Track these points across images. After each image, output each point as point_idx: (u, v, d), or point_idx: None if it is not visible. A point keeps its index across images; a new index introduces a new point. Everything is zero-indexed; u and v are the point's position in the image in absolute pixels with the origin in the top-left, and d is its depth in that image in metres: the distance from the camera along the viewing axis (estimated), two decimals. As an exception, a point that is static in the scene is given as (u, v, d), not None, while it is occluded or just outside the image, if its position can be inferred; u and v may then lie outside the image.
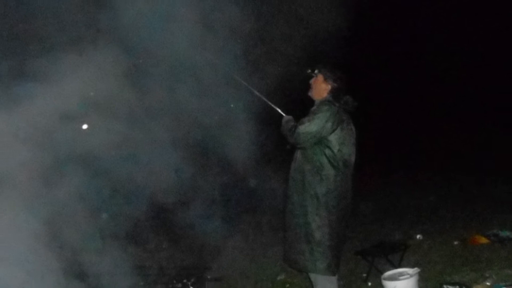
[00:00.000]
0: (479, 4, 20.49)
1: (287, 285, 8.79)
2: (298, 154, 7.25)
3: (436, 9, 20.45)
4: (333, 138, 7.03)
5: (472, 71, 21.41)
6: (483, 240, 9.51)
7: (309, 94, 7.37)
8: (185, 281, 8.70)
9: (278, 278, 9.11)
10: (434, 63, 21.48)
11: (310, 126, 6.99)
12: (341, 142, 7.08)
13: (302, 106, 7.39)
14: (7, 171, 5.62)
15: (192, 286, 8.61)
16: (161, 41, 6.56)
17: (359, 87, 7.71)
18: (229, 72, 7.56)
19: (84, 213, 6.33)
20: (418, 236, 10.33)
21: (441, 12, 20.59)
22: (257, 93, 7.65)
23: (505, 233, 9.59)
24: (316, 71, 7.32)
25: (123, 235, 7.71)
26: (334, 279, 7.37)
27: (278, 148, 7.95)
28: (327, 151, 7.01)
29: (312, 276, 7.40)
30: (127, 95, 6.59)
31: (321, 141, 6.99)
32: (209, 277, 9.20)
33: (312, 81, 7.32)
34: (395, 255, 8.67)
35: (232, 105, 7.97)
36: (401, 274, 7.38)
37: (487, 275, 7.79)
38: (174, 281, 8.75)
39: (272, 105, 7.57)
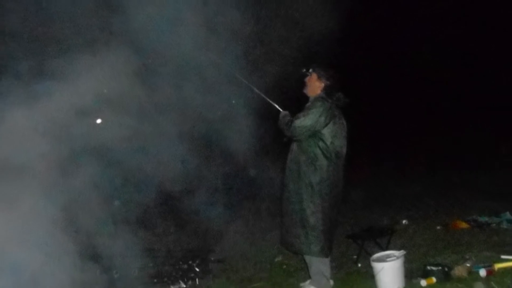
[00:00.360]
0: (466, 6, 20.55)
1: (284, 266, 8.79)
2: (294, 146, 7.27)
3: (421, 14, 20.45)
4: (326, 132, 7.05)
5: (456, 72, 21.42)
6: (464, 225, 9.52)
7: (304, 91, 7.39)
8: (190, 262, 8.71)
9: (276, 259, 9.11)
10: (420, 64, 21.47)
11: (305, 121, 7.02)
12: (333, 135, 7.11)
13: (297, 102, 7.41)
14: (27, 162, 5.63)
15: (197, 267, 8.62)
16: (168, 42, 6.56)
17: (350, 85, 7.71)
18: (231, 71, 7.57)
19: (97, 200, 6.34)
20: (404, 222, 10.33)
21: (424, 18, 20.60)
22: (257, 90, 7.66)
23: (483, 219, 9.59)
24: (310, 70, 7.34)
25: (134, 221, 7.72)
26: (327, 260, 7.40)
27: (275, 141, 7.96)
28: (320, 144, 7.04)
29: (307, 258, 7.42)
30: (137, 92, 6.60)
31: (315, 134, 7.02)
32: (212, 258, 9.22)
33: (306, 79, 7.34)
34: (383, 238, 8.67)
35: (233, 101, 7.97)
36: (388, 256, 7.38)
37: (467, 257, 7.79)
38: (181, 263, 8.76)
39: (270, 101, 7.58)
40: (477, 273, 7.03)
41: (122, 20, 6.40)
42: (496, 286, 6.57)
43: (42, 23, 6.32)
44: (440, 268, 7.18)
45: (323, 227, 7.13)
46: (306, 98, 7.28)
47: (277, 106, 7.49)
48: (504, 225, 9.27)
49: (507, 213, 9.61)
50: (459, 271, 7.18)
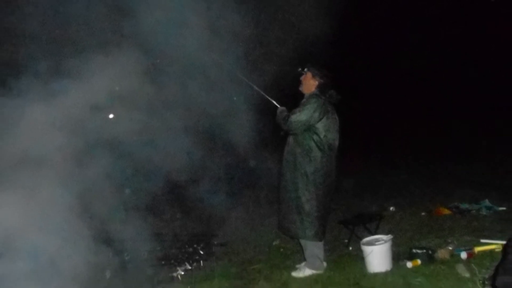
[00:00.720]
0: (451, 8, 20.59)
1: (281, 249, 8.80)
2: (290, 139, 7.29)
3: (406, 18, 20.48)
4: (320, 126, 7.07)
5: (438, 70, 21.46)
6: (446, 211, 9.51)
7: (300, 88, 7.41)
8: (195, 246, 8.73)
9: (274, 243, 9.12)
10: (406, 64, 21.53)
11: (301, 116, 7.03)
12: (326, 129, 7.13)
13: (293, 99, 7.42)
14: (46, 154, 5.64)
15: (201, 250, 8.64)
16: (175, 44, 6.56)
17: (342, 83, 7.72)
18: (232, 70, 7.57)
19: (110, 189, 6.35)
20: (391, 208, 10.33)
21: (408, 21, 20.65)
22: (256, 88, 7.66)
23: (464, 206, 9.59)
24: (305, 70, 7.35)
25: (143, 207, 7.72)
26: (320, 244, 7.42)
27: (273, 134, 7.96)
28: (314, 137, 7.05)
29: (302, 241, 7.44)
30: (146, 90, 6.61)
31: (309, 128, 7.03)
32: (215, 242, 9.23)
33: (302, 78, 7.36)
34: (372, 224, 8.67)
35: (235, 98, 7.97)
36: (377, 240, 7.40)
37: (449, 241, 7.80)
38: (186, 246, 8.78)
39: (269, 98, 7.59)
40: (459, 255, 7.05)
41: (133, 23, 6.40)
42: (476, 268, 6.58)
43: (59, 26, 6.31)
44: (424, 251, 7.20)
45: (317, 214, 7.16)
46: (301, 95, 7.30)
47: (275, 103, 7.50)
48: (483, 212, 9.28)
49: (486, 200, 9.62)
50: (442, 254, 7.20)
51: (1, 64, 6.23)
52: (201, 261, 8.42)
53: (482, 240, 7.61)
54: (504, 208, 9.41)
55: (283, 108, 7.40)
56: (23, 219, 5.30)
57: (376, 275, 7.02)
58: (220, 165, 9.66)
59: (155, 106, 6.74)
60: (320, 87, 7.25)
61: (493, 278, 4.69)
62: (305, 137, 7.11)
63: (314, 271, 7.36)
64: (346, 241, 8.61)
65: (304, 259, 7.53)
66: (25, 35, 6.23)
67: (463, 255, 7.04)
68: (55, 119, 5.68)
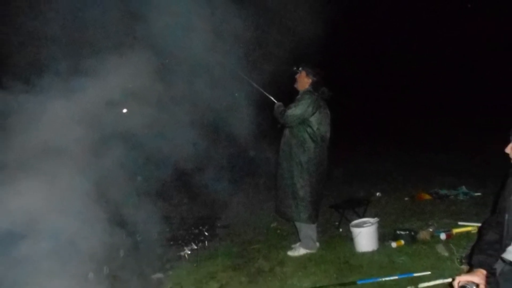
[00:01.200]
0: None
1: (278, 231, 8.80)
2: (286, 131, 7.29)
3: (394, 20, 20.50)
4: (313, 119, 7.08)
5: (421, 68, 21.49)
6: (427, 196, 9.51)
7: (295, 86, 7.40)
8: (201, 227, 8.75)
9: (271, 225, 9.11)
10: (393, 63, 21.57)
11: (296, 110, 7.04)
12: (319, 122, 7.13)
13: (289, 95, 7.41)
14: (66, 145, 5.64)
15: (206, 232, 8.66)
16: (182, 46, 6.54)
17: (333, 81, 7.72)
18: (234, 69, 7.56)
19: (124, 177, 6.34)
20: (377, 194, 10.31)
21: (394, 23, 20.65)
22: (255, 85, 7.65)
23: (443, 191, 9.59)
24: (300, 69, 7.34)
25: (154, 193, 7.72)
26: (314, 226, 7.44)
27: (271, 127, 7.96)
28: (308, 129, 7.06)
29: (297, 224, 7.45)
30: (156, 87, 6.59)
31: (304, 121, 7.04)
32: (219, 224, 9.27)
33: (297, 76, 7.35)
34: (360, 208, 8.66)
35: (236, 95, 7.95)
36: (364, 222, 7.40)
37: (430, 223, 7.80)
38: (193, 228, 8.81)
39: (267, 94, 7.59)
40: (438, 236, 7.08)
41: (144, 27, 6.38)
42: (454, 247, 6.61)
43: (77, 30, 6.28)
44: (407, 232, 7.21)
45: (310, 199, 7.17)
46: (296, 92, 7.30)
47: (272, 99, 7.50)
48: (461, 197, 9.29)
49: (463, 187, 9.62)
50: (423, 235, 7.22)
51: (26, 64, 6.22)
52: (206, 242, 8.44)
53: (460, 223, 7.63)
54: (479, 194, 9.41)
55: (280, 103, 7.40)
56: (46, 203, 5.30)
57: (363, 254, 7.04)
58: (223, 155, 9.63)
59: (164, 102, 6.73)
60: (313, 85, 7.25)
61: (469, 257, 4.71)
62: (299, 129, 7.11)
63: (308, 251, 7.38)
64: (337, 223, 8.60)
65: (299, 240, 7.55)
66: (47, 38, 6.20)
67: (443, 236, 7.07)
68: (74, 114, 5.68)
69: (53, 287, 5.31)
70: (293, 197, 7.26)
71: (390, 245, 7.12)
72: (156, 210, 7.65)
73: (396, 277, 6.17)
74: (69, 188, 5.65)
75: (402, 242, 7.12)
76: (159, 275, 7.33)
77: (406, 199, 9.75)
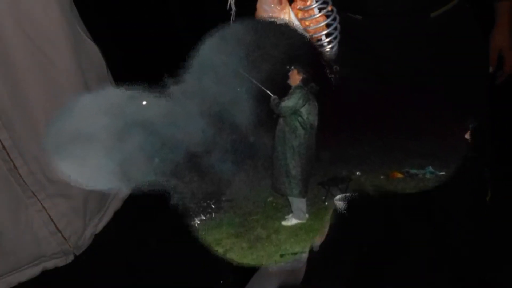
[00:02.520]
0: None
1: (274, 204, 8.82)
2: (281, 120, 7.31)
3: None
4: (303, 110, 7.09)
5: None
6: (399, 175, 9.56)
7: (288, 82, 7.46)
8: (208, 201, 8.81)
9: (268, 199, 9.13)
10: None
11: (289, 103, 7.05)
12: (308, 112, 7.14)
13: (283, 90, 7.46)
14: (94, 132, 5.70)
15: (213, 205, 8.70)
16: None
17: (320, 77, 7.74)
18: (236, 68, 7.62)
19: (142, 158, 6.41)
20: (357, 173, 10.40)
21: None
22: (255, 82, 7.65)
23: (413, 171, 9.61)
24: (292, 67, 7.42)
25: (168, 173, 7.79)
26: (304, 200, 7.46)
27: (268, 117, 8.00)
28: (299, 119, 7.08)
29: (290, 198, 7.48)
30: (170, 84, 6.67)
31: (295, 112, 7.07)
32: (223, 199, 9.30)
33: (290, 73, 7.41)
34: (343, 185, 8.77)
35: (238, 89, 8.00)
36: (346, 197, 7.52)
37: (402, 198, 7.93)
38: (202, 202, 8.87)
39: (264, 89, 7.58)
40: (409, 209, 7.17)
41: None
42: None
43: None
44: (382, 205, 7.31)
45: (301, 177, 7.21)
46: (289, 87, 7.35)
47: (269, 93, 7.50)
48: (428, 175, 9.37)
49: (430, 167, 9.69)
50: (396, 207, 7.31)
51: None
52: (213, 213, 8.48)
53: (427, 197, 7.74)
54: (443, 173, 9.49)
55: (275, 96, 7.41)
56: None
57: (346, 223, 7.15)
58: (227, 140, 9.68)
59: (177, 95, 6.79)
60: (303, 81, 7.30)
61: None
62: (292, 119, 7.15)
63: (299, 221, 7.44)
64: (323, 198, 8.68)
65: (291, 212, 7.63)
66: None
67: (412, 208, 7.15)
68: (100, 105, 5.76)
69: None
70: (286, 175, 7.32)
71: (368, 216, 7.19)
72: (170, 187, 7.76)
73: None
74: (97, 167, 5.74)
75: (378, 213, 7.20)
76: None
77: (381, 177, 9.83)
